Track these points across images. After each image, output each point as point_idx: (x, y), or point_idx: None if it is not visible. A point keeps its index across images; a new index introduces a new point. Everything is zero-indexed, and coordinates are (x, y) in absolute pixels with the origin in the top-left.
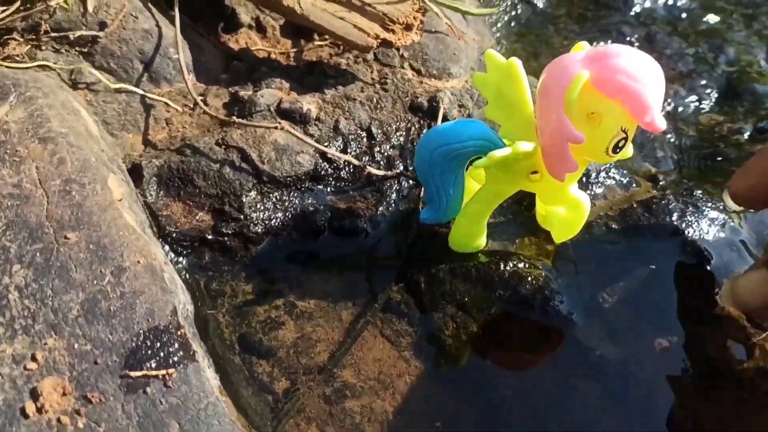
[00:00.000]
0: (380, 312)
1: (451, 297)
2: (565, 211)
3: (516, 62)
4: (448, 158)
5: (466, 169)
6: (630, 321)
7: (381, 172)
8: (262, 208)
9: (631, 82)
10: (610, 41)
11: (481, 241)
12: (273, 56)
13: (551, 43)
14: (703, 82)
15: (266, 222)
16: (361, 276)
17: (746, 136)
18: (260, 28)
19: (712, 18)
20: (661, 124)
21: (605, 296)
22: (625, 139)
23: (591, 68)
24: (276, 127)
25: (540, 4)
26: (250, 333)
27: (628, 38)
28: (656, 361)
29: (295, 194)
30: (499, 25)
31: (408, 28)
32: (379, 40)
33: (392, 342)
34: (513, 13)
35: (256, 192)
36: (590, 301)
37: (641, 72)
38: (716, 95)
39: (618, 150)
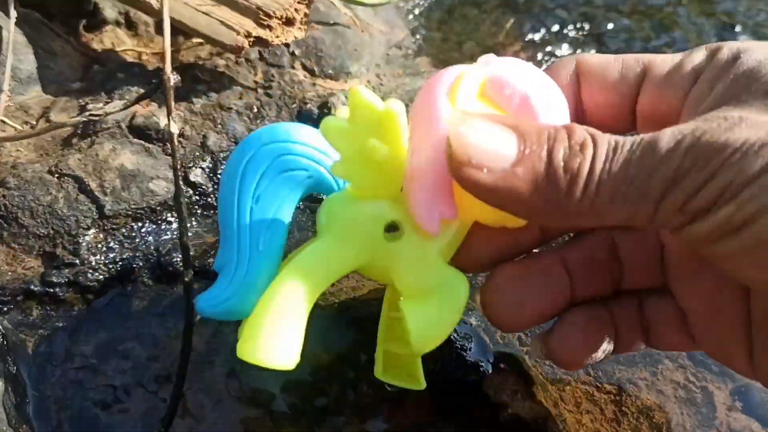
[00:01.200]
0: (251, 368)
1: (342, 342)
2: (432, 302)
3: (394, 111)
4: (274, 169)
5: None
6: (555, 368)
7: None
8: (104, 249)
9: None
10: (543, 30)
11: (293, 353)
12: (144, 57)
13: (479, 31)
14: None
15: (110, 266)
16: (231, 327)
17: None
18: (130, 25)
19: None
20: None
21: (525, 339)
22: None
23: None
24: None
25: None
26: (86, 408)
27: (564, 22)
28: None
29: (149, 230)
30: (416, 12)
31: (289, 23)
32: (251, 39)
33: (268, 408)
34: None
35: (96, 230)
36: (505, 346)
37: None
38: None
39: None
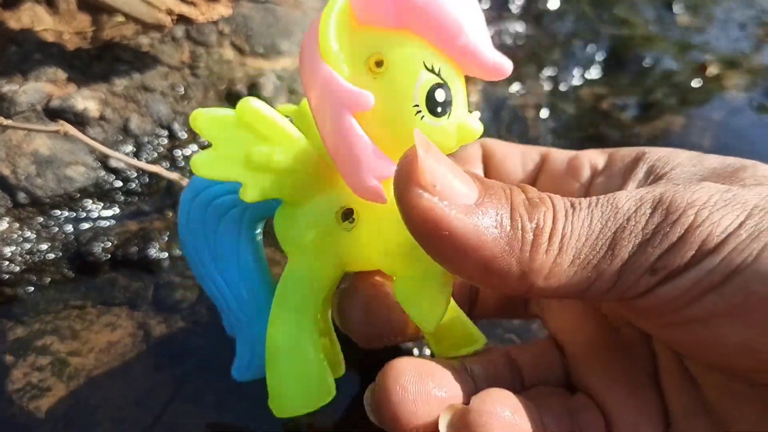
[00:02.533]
0: (180, 363)
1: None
2: (419, 277)
3: (249, 107)
4: (211, 221)
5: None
6: None
7: None
8: (19, 239)
9: None
10: (487, 6)
11: (327, 381)
12: (65, 37)
13: None
14: (585, 49)
15: (26, 257)
16: (156, 319)
17: (631, 114)
18: (50, 2)
19: None
20: (492, 54)
21: None
22: (442, 86)
23: None
24: (57, 131)
25: None
26: (3, 407)
27: (499, 1)
28: None
29: (67, 218)
30: None
31: None
32: (174, 17)
33: (194, 401)
34: None
35: (11, 218)
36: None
37: None
38: (599, 65)
39: (442, 110)
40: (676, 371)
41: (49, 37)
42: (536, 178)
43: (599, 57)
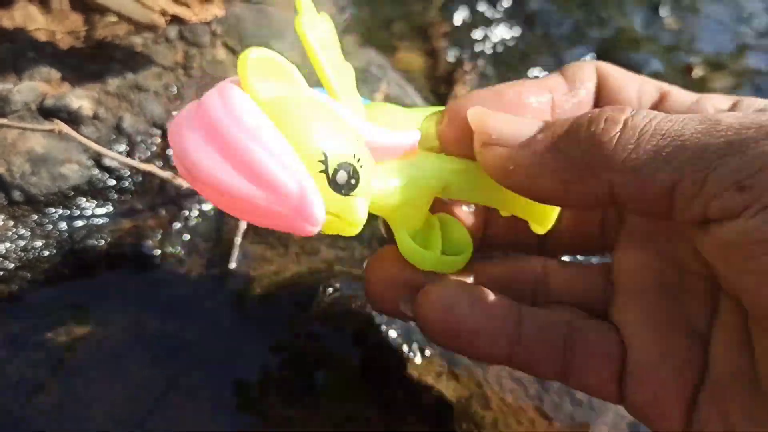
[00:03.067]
0: (174, 359)
1: (260, 333)
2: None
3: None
4: None
5: None
6: None
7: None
8: (14, 236)
9: None
10: (473, 10)
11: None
12: (58, 36)
13: (408, 10)
14: (575, 50)
15: (21, 254)
16: (150, 316)
17: None
18: (43, 1)
19: None
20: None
21: None
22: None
23: None
24: (52, 130)
25: None
26: None
27: (489, 3)
28: None
29: (61, 216)
30: None
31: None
32: (167, 17)
33: (189, 396)
34: None
35: (5, 216)
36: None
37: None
38: None
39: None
40: (734, 331)
41: (42, 37)
42: None
43: (588, 59)
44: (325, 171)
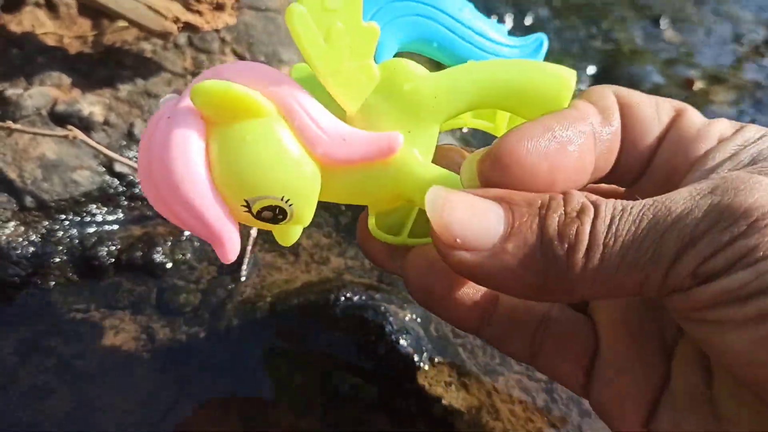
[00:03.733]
0: (184, 366)
1: (271, 344)
2: None
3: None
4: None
5: None
6: (488, 360)
7: None
8: (24, 242)
9: None
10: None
11: None
12: (66, 41)
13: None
14: (576, 63)
15: (32, 260)
16: (160, 323)
17: None
18: (51, 6)
19: None
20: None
21: (459, 331)
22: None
23: None
24: (66, 136)
25: None
26: (8, 409)
27: (494, 17)
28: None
29: (72, 222)
30: None
31: (219, 7)
32: (180, 24)
33: (199, 403)
34: None
35: (17, 222)
36: (440, 339)
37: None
38: (590, 79)
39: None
40: (695, 352)
41: (50, 41)
42: (665, 134)
43: (590, 71)
44: (249, 211)
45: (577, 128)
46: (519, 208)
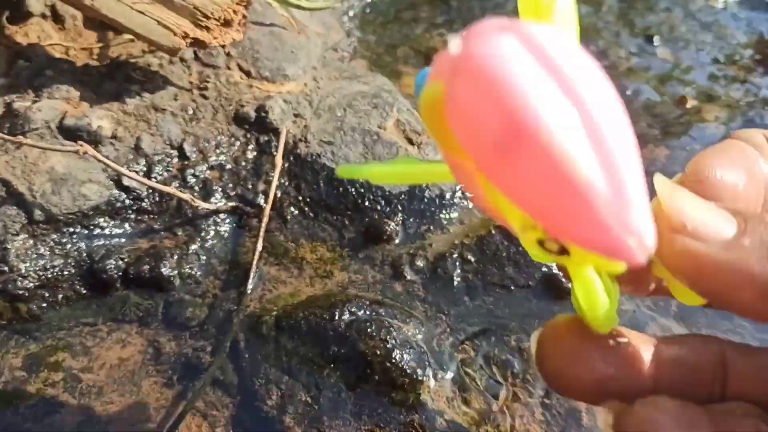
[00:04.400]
0: (191, 380)
1: (276, 358)
2: None
3: None
4: None
5: None
6: (489, 375)
7: (209, 206)
8: (34, 255)
9: None
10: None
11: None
12: (72, 53)
13: (413, 35)
14: None
15: (40, 273)
16: (166, 336)
17: None
18: (57, 18)
19: (583, 7)
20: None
21: (460, 345)
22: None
23: None
24: (77, 152)
25: None
26: (16, 423)
27: None
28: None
29: (80, 235)
30: (351, 14)
31: (227, 24)
32: (189, 40)
33: (205, 416)
34: (368, 0)
35: (26, 235)
36: (442, 354)
37: None
38: None
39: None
40: None
41: (57, 53)
42: None
43: None
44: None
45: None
46: (752, 218)
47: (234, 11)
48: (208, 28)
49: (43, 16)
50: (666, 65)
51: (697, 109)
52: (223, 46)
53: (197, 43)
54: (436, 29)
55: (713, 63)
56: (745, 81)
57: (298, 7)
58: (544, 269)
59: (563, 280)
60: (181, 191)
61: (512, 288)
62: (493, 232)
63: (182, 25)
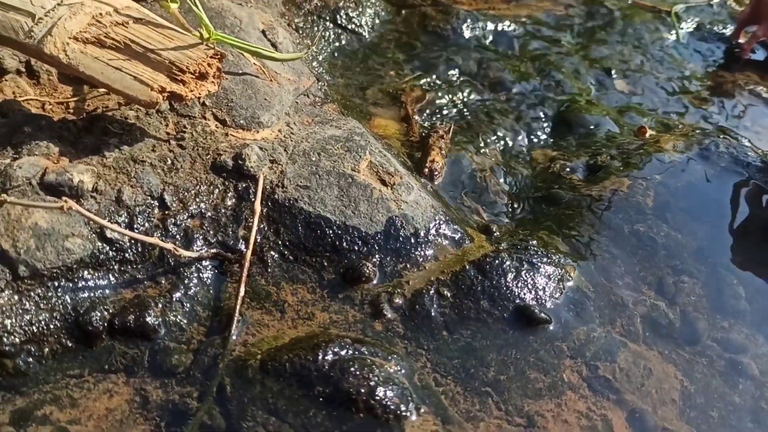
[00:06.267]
0: (179, 426)
1: (263, 400)
2: None
3: None
4: None
5: None
6: (469, 406)
7: (192, 254)
8: (19, 311)
9: None
10: (442, 76)
11: None
12: (48, 107)
13: (381, 77)
14: (536, 113)
15: (26, 328)
16: (153, 384)
17: (581, 175)
18: (32, 74)
19: (542, 44)
20: None
21: (441, 379)
22: None
23: None
24: (61, 208)
25: (366, 34)
26: None
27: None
28: None
29: (65, 288)
30: (320, 58)
31: (202, 77)
32: (166, 94)
33: None
34: (336, 44)
35: (11, 291)
36: (424, 389)
37: None
38: (548, 127)
39: None
40: None
41: (33, 108)
42: None
43: (547, 121)
44: None
45: None
46: None
47: (209, 64)
48: (184, 82)
49: (18, 72)
50: (624, 97)
51: (655, 139)
52: (198, 98)
53: (174, 97)
54: (403, 70)
55: (667, 92)
56: (699, 108)
57: (271, 58)
58: (517, 301)
59: (536, 310)
60: (163, 241)
61: (488, 320)
62: (467, 267)
63: (158, 80)
